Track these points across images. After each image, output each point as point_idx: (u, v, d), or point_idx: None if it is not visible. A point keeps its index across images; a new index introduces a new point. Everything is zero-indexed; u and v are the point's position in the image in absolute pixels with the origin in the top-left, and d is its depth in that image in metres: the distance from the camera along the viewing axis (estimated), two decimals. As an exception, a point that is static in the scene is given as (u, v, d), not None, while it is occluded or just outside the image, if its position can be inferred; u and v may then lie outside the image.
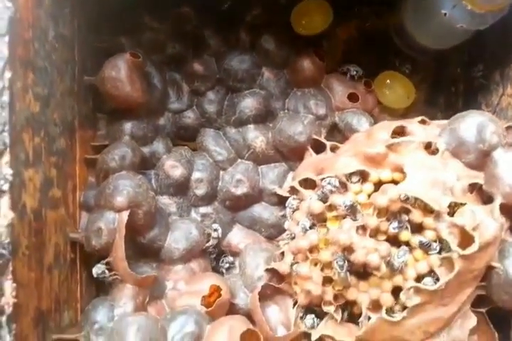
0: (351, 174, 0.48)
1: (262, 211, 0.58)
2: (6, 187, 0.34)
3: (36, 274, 0.40)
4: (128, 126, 0.53)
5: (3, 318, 0.35)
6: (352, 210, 0.45)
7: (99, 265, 0.47)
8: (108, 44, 0.54)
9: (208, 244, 0.53)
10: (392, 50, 0.63)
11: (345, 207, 0.46)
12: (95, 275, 0.47)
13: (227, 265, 0.55)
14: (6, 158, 0.35)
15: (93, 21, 0.53)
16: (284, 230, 0.57)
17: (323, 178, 0.49)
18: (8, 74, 0.34)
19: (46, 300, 0.42)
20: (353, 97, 0.58)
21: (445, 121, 0.51)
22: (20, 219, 0.36)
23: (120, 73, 0.49)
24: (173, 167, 0.54)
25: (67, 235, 0.47)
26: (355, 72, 0.59)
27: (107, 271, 0.46)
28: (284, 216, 0.57)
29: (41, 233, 0.41)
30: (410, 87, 0.62)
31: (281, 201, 0.57)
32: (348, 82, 0.59)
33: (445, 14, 0.51)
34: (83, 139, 0.51)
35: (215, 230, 0.54)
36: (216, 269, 0.56)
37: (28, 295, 0.38)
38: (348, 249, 0.45)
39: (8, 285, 0.35)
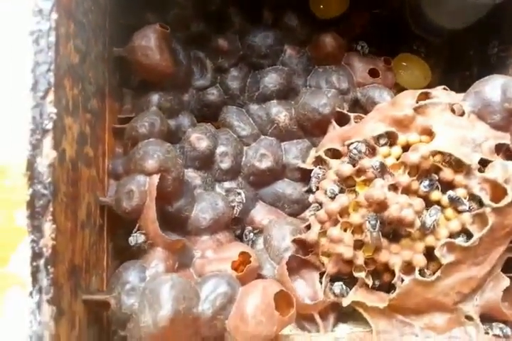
0: (379, 137, 0.49)
1: (286, 187, 0.58)
2: (49, 126, 0.35)
3: (71, 225, 0.39)
4: (155, 97, 0.53)
5: (42, 261, 0.34)
6: (382, 171, 0.45)
7: (136, 234, 0.46)
8: (135, 19, 0.55)
9: (234, 210, 0.53)
10: (407, 34, 0.65)
11: (375, 167, 0.46)
12: (132, 244, 0.46)
13: (252, 235, 0.54)
14: (51, 97, 0.35)
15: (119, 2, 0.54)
16: (308, 206, 0.57)
17: (351, 143, 0.49)
18: (54, 16, 0.35)
19: (79, 256, 0.41)
20: (373, 73, 0.59)
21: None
22: (60, 163, 0.36)
23: (150, 42, 0.50)
24: (199, 139, 0.54)
25: (98, 198, 0.46)
26: (360, 47, 0.60)
27: (143, 238, 0.46)
28: (307, 191, 0.57)
29: (76, 185, 0.40)
30: (426, 68, 0.64)
31: (304, 177, 0.57)
32: (368, 59, 0.60)
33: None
34: (111, 109, 0.51)
35: (239, 194, 0.54)
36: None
37: (64, 243, 0.37)
38: (381, 206, 0.44)
39: (48, 227, 0.35)
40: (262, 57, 0.58)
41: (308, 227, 0.52)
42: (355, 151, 0.48)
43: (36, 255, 0.34)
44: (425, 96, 0.51)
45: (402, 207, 0.44)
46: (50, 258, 0.34)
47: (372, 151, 0.49)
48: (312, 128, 0.57)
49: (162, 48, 0.51)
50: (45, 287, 0.33)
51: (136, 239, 0.45)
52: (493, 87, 0.48)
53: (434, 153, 0.45)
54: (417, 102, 0.50)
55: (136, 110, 0.54)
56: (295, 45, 0.59)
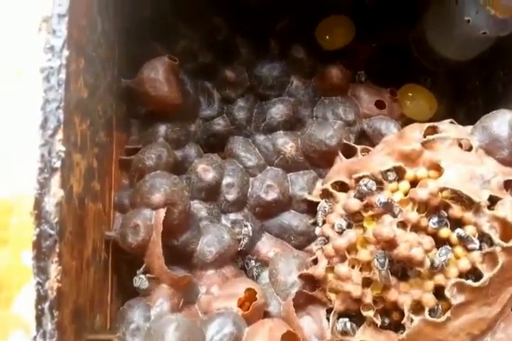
0: (387, 171, 0.48)
1: (292, 218, 0.57)
2: (58, 164, 0.34)
3: (77, 264, 0.38)
4: (163, 128, 0.53)
5: (46, 304, 0.33)
6: (388, 207, 0.45)
7: (141, 276, 0.45)
8: (144, 50, 0.56)
9: (240, 243, 0.52)
10: (413, 64, 0.65)
11: (380, 204, 0.46)
12: (136, 285, 0.45)
13: (257, 268, 0.54)
14: (60, 135, 0.35)
15: (131, 27, 0.54)
16: (314, 239, 0.56)
17: (359, 177, 0.49)
18: (66, 53, 0.35)
19: (83, 296, 0.40)
20: (379, 104, 0.59)
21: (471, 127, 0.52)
22: (67, 202, 0.36)
23: (158, 74, 0.51)
24: (205, 170, 0.54)
25: (103, 233, 0.46)
26: (358, 77, 0.61)
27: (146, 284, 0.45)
28: (314, 224, 0.56)
29: (83, 223, 0.40)
30: (432, 99, 0.64)
31: (310, 209, 0.57)
32: (374, 90, 0.61)
33: (468, 21, 0.53)
34: (118, 140, 0.51)
35: (245, 226, 0.53)
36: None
37: (69, 284, 0.37)
38: (389, 244, 0.44)
39: (54, 269, 0.34)
40: (269, 88, 0.58)
41: (315, 261, 0.52)
42: (364, 188, 0.47)
43: (41, 298, 0.33)
44: (432, 129, 0.50)
45: (411, 246, 0.43)
46: (54, 302, 0.34)
47: (380, 184, 0.49)
48: (319, 160, 0.57)
49: (170, 80, 0.51)
50: (49, 331, 0.33)
51: (140, 282, 0.45)
52: (500, 122, 0.47)
53: (443, 190, 0.45)
54: (424, 136, 0.50)
55: (143, 141, 0.54)
56: (301, 76, 0.59)
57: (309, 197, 0.56)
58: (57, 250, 0.34)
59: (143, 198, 0.46)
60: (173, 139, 0.54)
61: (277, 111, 0.57)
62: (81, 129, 0.39)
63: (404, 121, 0.63)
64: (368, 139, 0.59)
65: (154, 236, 0.45)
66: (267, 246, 0.57)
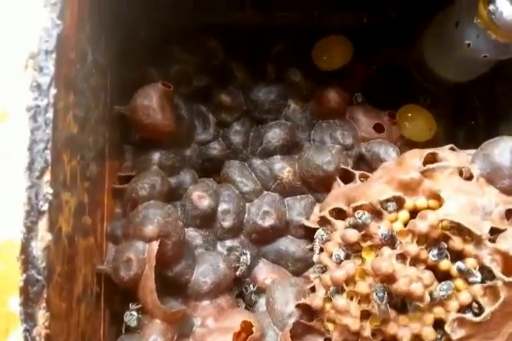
0: (386, 201, 0.47)
1: (289, 244, 0.56)
2: (45, 207, 0.33)
3: (66, 305, 0.37)
4: (156, 155, 0.52)
5: (34, 351, 0.32)
6: (389, 240, 0.44)
7: (132, 312, 0.45)
8: (138, 75, 0.55)
9: (237, 272, 0.51)
10: (412, 84, 0.64)
11: (383, 237, 0.45)
12: (125, 320, 0.44)
13: (253, 290, 0.53)
14: (47, 177, 0.34)
15: (125, 52, 0.54)
16: (312, 265, 0.55)
17: (356, 206, 0.48)
18: (53, 91, 0.34)
19: (74, 334, 0.39)
20: (378, 128, 0.58)
21: (473, 151, 0.51)
22: (55, 244, 0.35)
23: (152, 101, 0.50)
24: (200, 197, 0.53)
25: (95, 266, 0.45)
26: (355, 98, 0.60)
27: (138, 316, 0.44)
28: (311, 249, 0.55)
29: (73, 261, 0.39)
30: (431, 120, 0.63)
31: (308, 234, 0.56)
32: (372, 113, 0.60)
33: (469, 45, 0.52)
34: (111, 169, 0.50)
35: (244, 254, 0.52)
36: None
37: (58, 328, 0.36)
38: (388, 278, 0.43)
39: (41, 315, 0.33)
40: (266, 112, 0.57)
41: (313, 289, 0.50)
42: (359, 221, 0.46)
43: (28, 346, 0.32)
44: (432, 156, 0.49)
45: (411, 281, 0.42)
46: (42, 347, 0.33)
47: (379, 213, 0.47)
48: (316, 185, 0.56)
49: (164, 107, 0.50)
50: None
51: (129, 319, 0.44)
52: (502, 151, 0.46)
53: (443, 222, 0.44)
54: (424, 163, 0.49)
55: (136, 167, 0.53)
56: (299, 99, 0.58)
57: (307, 223, 0.55)
58: (45, 295, 0.33)
59: (136, 230, 0.45)
60: (167, 166, 0.53)
61: (274, 135, 0.56)
62: (70, 166, 0.38)
63: (404, 142, 0.62)
64: (367, 163, 0.58)
65: (147, 270, 0.44)
66: (264, 272, 0.56)
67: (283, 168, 0.56)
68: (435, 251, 0.44)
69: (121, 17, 0.53)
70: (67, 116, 0.37)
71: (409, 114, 0.63)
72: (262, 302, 0.55)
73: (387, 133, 0.58)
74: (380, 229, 0.45)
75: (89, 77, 0.43)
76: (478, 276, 0.43)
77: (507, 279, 0.41)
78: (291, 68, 0.57)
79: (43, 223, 0.33)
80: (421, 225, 0.43)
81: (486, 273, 0.43)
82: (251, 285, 0.55)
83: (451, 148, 0.51)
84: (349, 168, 0.55)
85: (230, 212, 0.54)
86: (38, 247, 0.33)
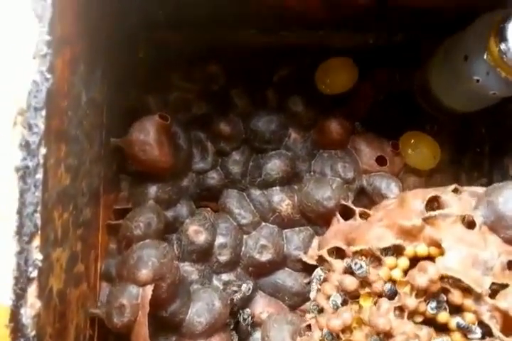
0: (385, 248, 0.46)
1: (286, 278, 0.55)
2: (34, 274, 0.32)
3: (57, 360, 0.37)
4: (153, 189, 0.51)
5: None
6: (392, 294, 0.43)
7: None
8: (135, 103, 0.53)
9: (234, 299, 0.51)
10: (416, 110, 0.62)
11: (388, 291, 0.44)
12: None
13: (250, 322, 0.52)
14: (37, 241, 0.32)
15: (121, 81, 0.52)
16: (309, 299, 0.54)
17: (356, 251, 0.47)
18: (43, 151, 0.33)
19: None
20: (380, 160, 0.57)
21: (478, 189, 0.50)
22: (46, 307, 0.34)
23: (149, 136, 0.48)
24: (197, 232, 0.52)
25: (88, 311, 0.44)
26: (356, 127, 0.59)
27: None
28: (309, 283, 0.55)
29: (64, 316, 0.38)
30: (436, 147, 0.61)
31: (305, 267, 0.55)
32: (375, 143, 0.58)
33: (477, 81, 0.50)
34: (106, 204, 0.49)
35: (247, 283, 0.52)
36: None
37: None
38: (386, 334, 0.42)
39: (31, 381, 0.32)
40: (266, 142, 0.55)
41: (309, 327, 0.50)
42: (357, 272, 0.45)
43: None
44: (435, 199, 0.48)
45: (408, 338, 0.41)
46: None
47: (378, 260, 0.47)
48: (315, 219, 0.55)
49: (161, 142, 0.49)
50: None
51: None
52: (507, 199, 0.45)
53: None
54: (426, 206, 0.47)
55: (132, 200, 0.52)
56: (300, 129, 0.57)
57: (304, 258, 0.54)
58: (35, 362, 0.32)
59: (129, 273, 0.44)
60: (164, 200, 0.52)
61: (273, 167, 0.55)
62: (62, 221, 0.37)
63: (407, 169, 0.61)
64: (368, 196, 0.56)
65: (140, 316, 0.43)
66: (260, 305, 0.55)
67: (282, 201, 0.55)
68: (434, 304, 0.43)
69: (119, 44, 0.51)
70: (58, 170, 0.36)
71: (413, 141, 0.61)
72: (256, 335, 0.54)
73: (390, 165, 0.57)
74: (385, 284, 0.44)
75: (83, 119, 0.41)
76: (477, 332, 0.42)
77: (505, 339, 0.41)
78: (292, 97, 0.55)
79: (33, 289, 0.32)
80: (420, 280, 0.42)
81: (486, 328, 0.43)
82: (249, 317, 0.54)
83: (455, 189, 0.50)
84: (349, 205, 0.53)
85: (226, 246, 0.53)
86: (27, 315, 0.32)
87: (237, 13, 0.54)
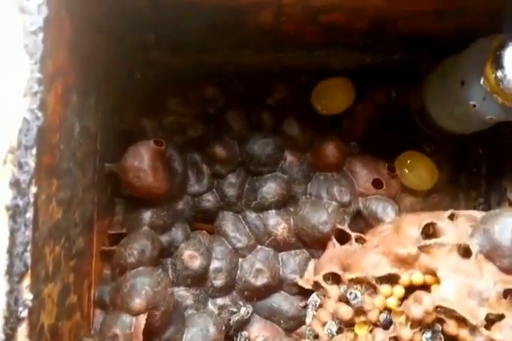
0: (381, 277, 0.46)
1: (282, 301, 0.55)
2: (24, 313, 0.32)
3: None
4: (147, 215, 0.51)
5: None
6: (387, 324, 0.43)
7: None
8: (130, 126, 0.53)
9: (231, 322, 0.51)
10: (413, 130, 0.62)
11: (383, 321, 0.44)
12: None
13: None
14: (27, 281, 0.32)
15: (116, 105, 0.52)
16: (305, 322, 0.54)
17: (351, 279, 0.47)
18: (33, 190, 0.33)
19: None
20: (377, 184, 0.56)
21: (475, 213, 0.50)
22: (37, 343, 0.34)
23: (143, 163, 0.48)
24: (192, 257, 0.51)
25: (81, 339, 0.44)
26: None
27: None
28: (305, 306, 0.54)
29: (56, 349, 0.38)
30: (433, 168, 0.61)
31: (301, 291, 0.55)
32: (372, 165, 0.58)
33: (474, 106, 0.50)
34: (100, 230, 0.49)
35: (247, 307, 0.52)
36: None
37: None
38: (380, 364, 0.42)
39: None
40: (261, 165, 0.55)
41: (304, 352, 0.50)
42: (352, 302, 0.45)
43: None
44: (431, 226, 0.48)
45: (402, 371, 0.41)
46: None
47: (373, 288, 0.46)
48: (311, 242, 0.55)
49: (156, 168, 0.48)
50: None
51: None
52: (503, 228, 0.45)
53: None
54: (422, 233, 0.47)
55: (127, 224, 0.52)
56: (296, 151, 0.56)
57: (300, 283, 0.54)
58: None
59: (123, 302, 0.44)
60: (158, 225, 0.51)
61: (269, 190, 0.54)
62: (53, 256, 0.37)
63: (404, 189, 0.61)
64: (364, 219, 0.56)
65: (134, 346, 0.43)
66: (256, 329, 0.55)
67: (278, 224, 0.54)
68: (429, 334, 0.43)
69: (115, 67, 0.51)
70: (49, 206, 0.36)
71: (410, 161, 0.61)
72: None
73: (386, 188, 0.56)
74: (381, 314, 0.44)
75: (76, 150, 0.41)
76: (473, 364, 0.42)
77: (501, 371, 0.40)
78: (287, 120, 0.55)
79: (23, 329, 0.32)
80: (415, 311, 0.42)
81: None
82: (243, 338, 0.54)
83: (451, 215, 0.50)
84: (345, 229, 0.53)
85: (222, 270, 0.53)
86: (17, 357, 0.32)
87: (234, 36, 0.54)
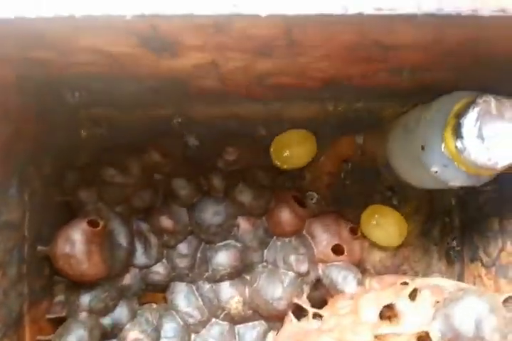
0: (335, 367, 0.43)
1: (240, 378, 0.52)
2: None
3: None
4: (85, 299, 0.47)
5: None
6: None
7: None
8: (69, 198, 0.49)
9: None
10: (381, 181, 0.58)
11: None
12: None
13: None
14: None
15: (55, 174, 0.48)
16: None
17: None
18: None
19: None
20: (337, 250, 0.53)
21: (442, 282, 0.46)
22: None
23: (74, 249, 0.44)
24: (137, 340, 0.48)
25: None
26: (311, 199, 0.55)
27: None
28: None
29: None
30: (401, 223, 0.57)
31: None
32: (333, 227, 0.54)
33: (435, 172, 0.46)
34: (37, 316, 0.45)
35: None
36: None
37: None
38: None
39: None
40: (213, 234, 0.51)
41: None
42: None
43: None
44: (389, 309, 0.44)
45: None
46: None
47: (327, 377, 0.43)
48: (268, 316, 0.51)
49: (90, 252, 0.45)
50: None
51: None
52: (465, 315, 0.41)
53: None
54: (380, 316, 0.43)
55: (67, 306, 0.48)
56: (250, 217, 0.52)
57: (257, 362, 0.51)
58: None
59: None
60: (99, 308, 0.48)
61: (221, 262, 0.51)
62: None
63: (370, 244, 0.57)
64: (325, 287, 0.52)
65: None
66: None
67: (231, 298, 0.51)
68: None
69: (55, 132, 0.47)
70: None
71: (377, 216, 0.57)
72: None
73: (348, 253, 0.52)
74: None
75: None
76: None
77: None
78: (240, 185, 0.51)
79: None
80: None
81: None
82: None
83: (414, 291, 0.46)
84: (304, 305, 0.49)
85: (172, 350, 0.50)
86: None
87: (180, 95, 0.50)
